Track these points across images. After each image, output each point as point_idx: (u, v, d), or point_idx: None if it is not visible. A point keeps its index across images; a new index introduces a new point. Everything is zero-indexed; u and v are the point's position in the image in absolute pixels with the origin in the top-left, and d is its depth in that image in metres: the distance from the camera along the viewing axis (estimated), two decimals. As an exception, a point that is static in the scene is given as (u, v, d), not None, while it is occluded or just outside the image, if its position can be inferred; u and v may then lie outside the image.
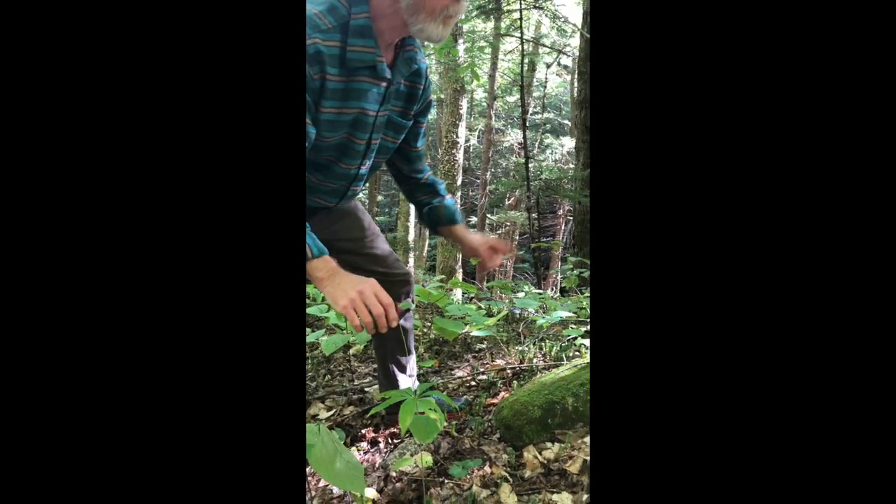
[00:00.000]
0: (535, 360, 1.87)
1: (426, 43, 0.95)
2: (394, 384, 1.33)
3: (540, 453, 1.12)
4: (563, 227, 9.89)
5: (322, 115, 0.87)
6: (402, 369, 1.36)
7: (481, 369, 1.80)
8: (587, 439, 1.14)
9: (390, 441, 1.29)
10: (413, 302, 1.32)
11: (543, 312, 3.16)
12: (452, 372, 1.79)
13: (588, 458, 1.06)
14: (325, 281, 0.83)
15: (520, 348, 2.06)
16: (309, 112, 0.85)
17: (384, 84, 0.92)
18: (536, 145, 10.64)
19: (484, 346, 2.07)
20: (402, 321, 1.30)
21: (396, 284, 1.25)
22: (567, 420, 1.18)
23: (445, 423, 1.29)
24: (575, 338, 1.76)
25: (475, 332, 1.56)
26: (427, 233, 8.60)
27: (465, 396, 1.53)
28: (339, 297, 0.80)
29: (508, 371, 1.75)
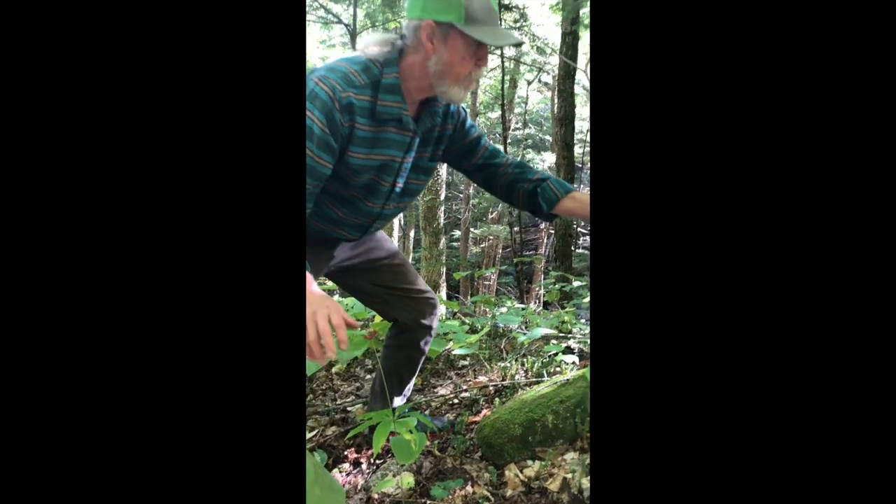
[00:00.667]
0: (517, 377, 1.89)
1: None
2: (386, 402, 1.33)
3: (521, 471, 1.13)
4: (545, 241, 9.99)
5: (351, 159, 0.97)
6: (400, 389, 1.37)
7: (464, 387, 1.81)
8: (567, 456, 1.16)
9: (373, 462, 1.29)
10: (434, 327, 1.30)
11: (526, 327, 3.19)
12: (435, 390, 1.79)
13: (567, 475, 1.08)
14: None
15: (502, 365, 2.08)
16: (330, 153, 0.93)
17: (409, 134, 1.01)
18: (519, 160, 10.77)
19: (467, 362, 2.08)
20: (422, 344, 1.30)
21: (419, 302, 1.28)
22: (547, 437, 1.19)
23: (427, 443, 1.30)
24: (556, 353, 1.78)
25: (457, 350, 1.58)
26: (411, 246, 8.60)
27: (447, 415, 1.54)
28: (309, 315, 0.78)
29: (491, 388, 1.77)
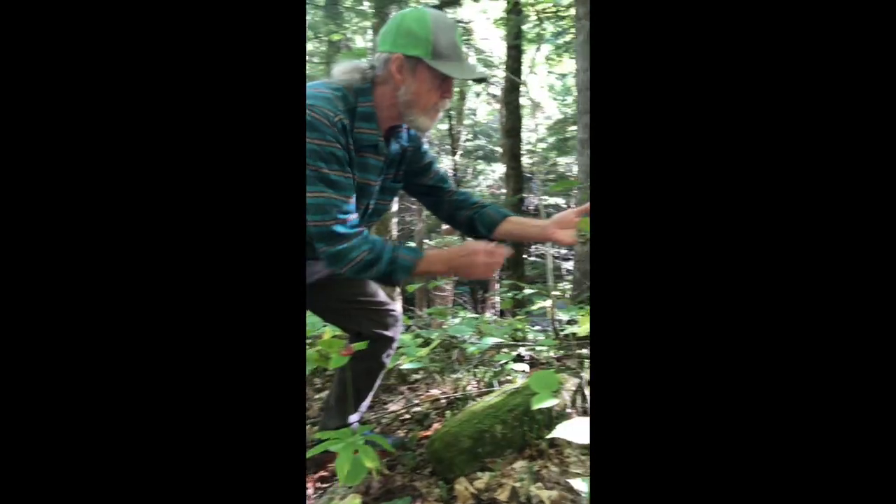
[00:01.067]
0: (469, 388, 1.89)
1: None
2: (343, 420, 1.30)
3: (471, 484, 1.12)
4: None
5: (333, 178, 0.99)
6: (358, 405, 1.34)
7: (416, 401, 1.79)
8: (516, 465, 1.16)
9: (319, 485, 1.24)
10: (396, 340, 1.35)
11: (479, 337, 3.20)
12: (386, 406, 1.76)
13: (516, 484, 1.08)
14: (447, 268, 1.03)
15: (455, 376, 2.07)
16: (349, 165, 1.00)
17: (382, 159, 1.08)
18: (470, 171, 10.90)
19: (419, 376, 2.06)
20: (383, 357, 1.33)
21: (380, 314, 1.29)
22: (496, 447, 1.19)
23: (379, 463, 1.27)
24: (506, 363, 1.80)
25: (406, 365, 1.56)
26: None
27: (398, 432, 1.51)
28: (473, 268, 1.00)
29: (443, 401, 1.76)
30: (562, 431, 0.78)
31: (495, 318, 4.67)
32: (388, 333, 1.30)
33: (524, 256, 6.29)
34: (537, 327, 3.20)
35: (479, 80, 1.05)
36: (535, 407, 0.86)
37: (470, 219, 1.23)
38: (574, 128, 5.18)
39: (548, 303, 2.07)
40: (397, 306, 1.34)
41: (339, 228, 0.95)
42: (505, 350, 1.92)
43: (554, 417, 1.28)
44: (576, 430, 0.78)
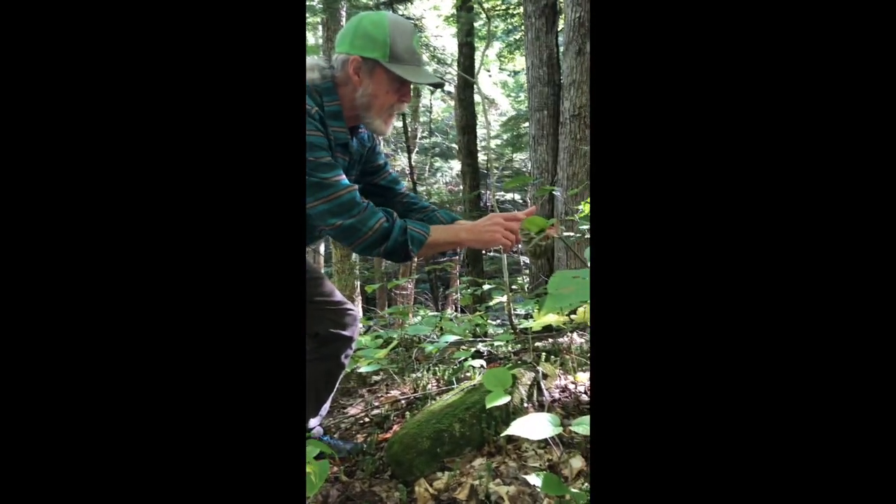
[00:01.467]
0: (429, 387, 1.88)
1: None
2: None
3: (431, 485, 1.12)
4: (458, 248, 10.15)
5: (325, 161, 0.98)
6: (317, 408, 1.32)
7: (375, 403, 1.77)
8: (475, 462, 1.16)
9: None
10: (356, 337, 1.34)
11: (439, 335, 3.20)
12: (346, 410, 1.73)
13: (475, 482, 1.08)
14: (457, 239, 1.06)
15: (414, 376, 2.06)
16: (332, 153, 0.99)
17: (348, 158, 1.10)
18: (427, 168, 10.89)
19: (379, 377, 2.04)
20: (342, 357, 1.32)
21: (339, 313, 1.28)
22: (455, 447, 1.19)
23: (335, 469, 1.24)
24: (465, 360, 1.80)
25: (363, 368, 1.53)
26: (322, 261, 8.35)
27: (357, 436, 1.49)
28: (486, 236, 1.03)
29: (402, 402, 1.74)
30: (517, 428, 0.79)
31: (456, 314, 4.69)
32: (347, 333, 1.28)
33: (483, 252, 6.33)
34: (496, 322, 3.23)
35: (436, 86, 1.06)
36: (490, 405, 0.87)
37: (421, 221, 1.24)
38: (526, 124, 5.26)
39: (504, 298, 2.09)
40: (356, 306, 1.32)
41: (352, 196, 0.96)
42: (464, 347, 1.92)
43: (511, 413, 1.29)
44: (531, 426, 0.79)
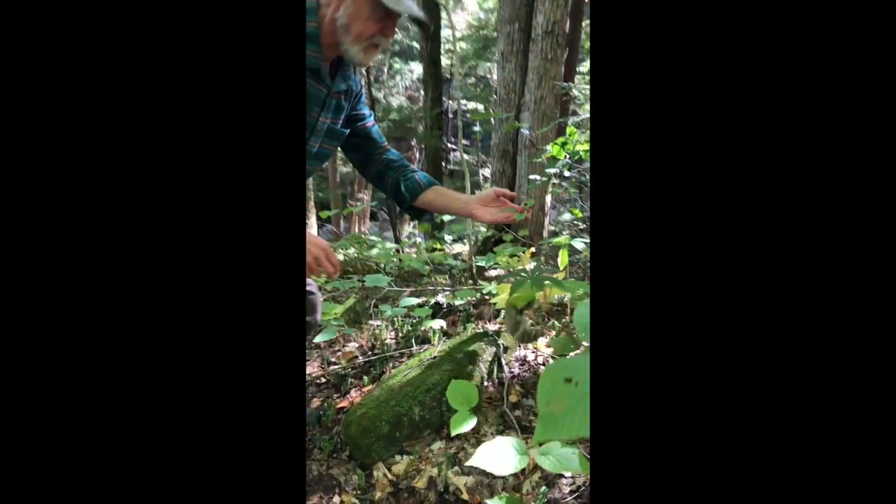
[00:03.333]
0: (387, 340, 1.86)
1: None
2: None
3: (389, 470, 1.13)
4: (417, 158, 9.84)
5: None
6: None
7: (332, 359, 1.74)
8: (434, 446, 1.17)
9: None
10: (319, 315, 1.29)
11: (399, 263, 3.16)
12: (301, 368, 1.70)
13: (433, 470, 1.09)
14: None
15: (372, 324, 2.03)
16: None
17: (324, 90, 1.02)
18: (386, 70, 10.16)
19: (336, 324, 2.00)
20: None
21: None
22: (414, 430, 1.19)
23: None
24: (423, 318, 1.77)
25: (319, 339, 1.47)
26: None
27: (313, 400, 1.47)
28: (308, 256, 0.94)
29: (360, 359, 1.72)
30: (481, 460, 0.76)
31: (414, 236, 4.63)
32: (309, 319, 1.21)
33: (442, 164, 6.15)
34: (448, 237, 3.20)
35: (419, 23, 1.00)
36: (455, 432, 0.84)
37: (396, 181, 1.18)
38: (496, 34, 4.86)
39: (465, 248, 2.03)
40: (314, 287, 1.22)
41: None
42: (419, 305, 1.89)
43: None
44: (496, 458, 0.77)
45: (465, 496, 1.03)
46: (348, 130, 1.14)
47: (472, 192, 1.65)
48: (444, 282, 2.96)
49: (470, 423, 0.85)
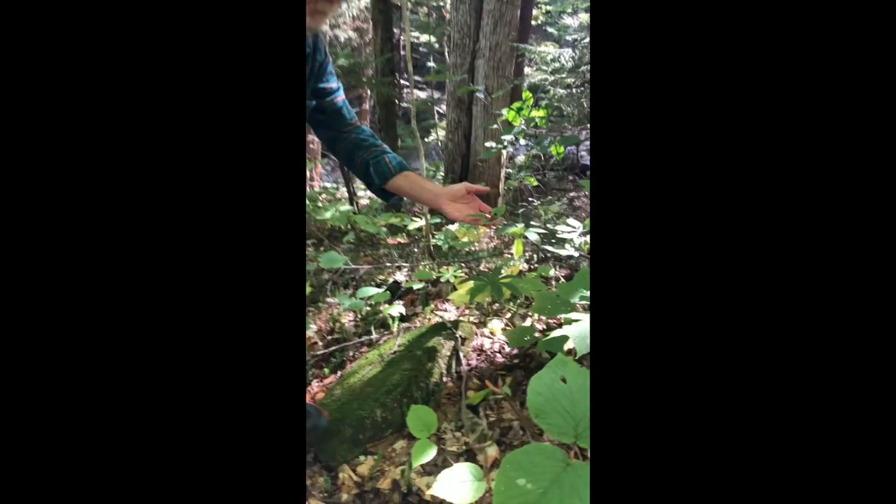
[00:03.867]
0: (346, 323, 1.87)
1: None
2: None
3: (354, 471, 1.18)
4: (369, 119, 9.32)
5: None
6: None
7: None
8: (396, 445, 1.23)
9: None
10: None
11: (352, 226, 3.10)
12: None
13: (396, 472, 1.15)
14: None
15: (330, 301, 2.03)
16: None
17: None
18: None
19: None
20: None
21: None
22: (377, 431, 1.24)
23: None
24: (380, 304, 1.78)
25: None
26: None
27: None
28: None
29: (319, 345, 1.74)
30: (441, 490, 0.81)
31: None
32: None
33: (397, 116, 5.92)
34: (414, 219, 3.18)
35: None
36: (416, 464, 0.88)
37: (365, 163, 1.12)
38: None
39: (422, 222, 2.02)
40: None
41: None
42: (376, 290, 1.89)
43: (431, 392, 1.34)
44: (454, 488, 0.82)
45: (427, 496, 1.10)
46: (314, 102, 1.06)
47: (428, 139, 1.58)
48: (402, 241, 2.96)
49: (430, 454, 0.89)
